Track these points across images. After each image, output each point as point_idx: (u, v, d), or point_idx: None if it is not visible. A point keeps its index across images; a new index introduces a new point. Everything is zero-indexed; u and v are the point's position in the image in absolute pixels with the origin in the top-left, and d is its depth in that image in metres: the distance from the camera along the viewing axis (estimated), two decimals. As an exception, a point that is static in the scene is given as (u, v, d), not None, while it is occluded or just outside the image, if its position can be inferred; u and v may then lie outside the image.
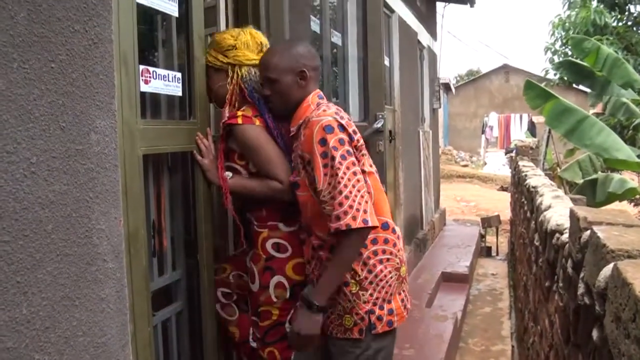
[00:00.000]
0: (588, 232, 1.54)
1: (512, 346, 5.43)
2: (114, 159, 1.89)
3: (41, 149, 1.61)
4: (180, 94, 2.34)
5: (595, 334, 1.28)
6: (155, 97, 2.42)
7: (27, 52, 1.57)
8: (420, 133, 8.33)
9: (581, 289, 1.49)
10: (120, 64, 1.93)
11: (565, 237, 2.04)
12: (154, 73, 2.16)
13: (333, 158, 2.09)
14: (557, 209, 2.63)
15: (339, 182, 2.07)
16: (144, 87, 2.09)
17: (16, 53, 1.53)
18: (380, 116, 3.97)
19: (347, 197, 2.06)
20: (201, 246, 2.49)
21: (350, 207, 2.05)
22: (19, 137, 1.53)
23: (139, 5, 2.07)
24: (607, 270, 1.24)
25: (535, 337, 3.09)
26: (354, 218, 2.05)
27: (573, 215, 1.75)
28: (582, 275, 1.52)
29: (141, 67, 2.06)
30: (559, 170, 10.21)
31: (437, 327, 5.08)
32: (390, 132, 6.78)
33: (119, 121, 1.91)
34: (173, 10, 2.29)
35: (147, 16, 2.36)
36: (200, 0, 2.46)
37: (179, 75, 2.31)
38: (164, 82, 2.21)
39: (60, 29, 1.69)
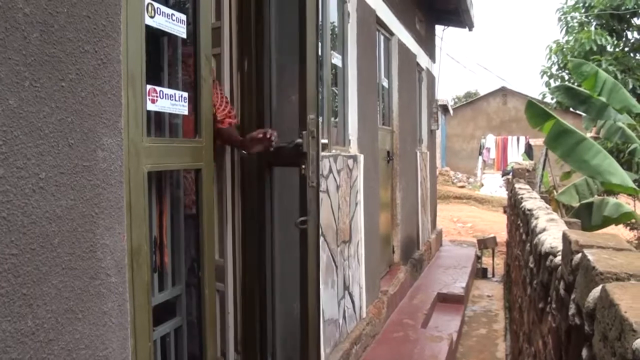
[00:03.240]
0: (579, 254, 1.59)
1: (507, 368, 5.45)
2: (120, 176, 1.94)
3: (50, 164, 1.66)
4: (186, 112, 2.40)
5: (584, 353, 1.32)
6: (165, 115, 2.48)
7: (39, 71, 1.63)
8: (418, 154, 8.41)
9: (572, 309, 1.54)
10: (127, 83, 1.99)
11: (558, 259, 2.08)
12: (161, 92, 2.21)
13: None
14: (552, 232, 2.68)
15: None
16: (150, 106, 2.14)
17: (28, 72, 1.59)
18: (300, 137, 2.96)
19: None
20: (203, 263, 2.53)
21: None
22: (28, 153, 1.58)
23: (147, 27, 2.13)
24: (595, 291, 1.28)
25: (529, 358, 3.12)
26: None
27: (565, 239, 1.80)
28: (573, 296, 1.56)
29: (148, 86, 2.12)
30: (555, 193, 10.27)
31: (433, 347, 5.10)
32: (388, 152, 6.85)
33: (125, 139, 1.97)
34: (181, 32, 2.35)
35: (154, 37, 2.42)
36: (208, 22, 2.52)
37: (185, 94, 2.37)
38: (171, 102, 2.26)
39: (71, 49, 1.75)
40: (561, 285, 1.81)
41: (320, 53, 4.43)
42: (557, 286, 1.92)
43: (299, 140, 2.79)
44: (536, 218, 3.40)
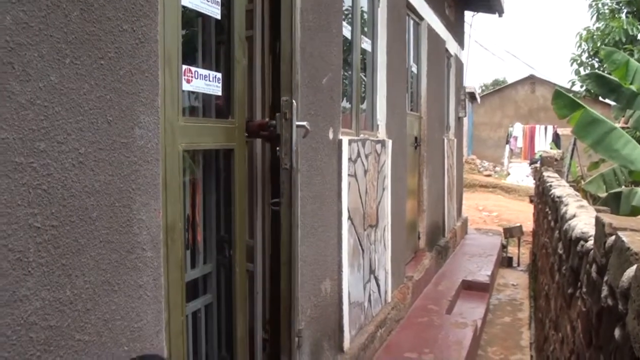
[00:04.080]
0: (613, 237, 1.59)
1: (531, 356, 5.43)
2: (156, 153, 1.98)
3: (89, 140, 1.70)
4: (219, 93, 2.42)
5: (617, 332, 1.33)
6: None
7: (79, 48, 1.66)
8: (445, 141, 8.36)
9: (604, 291, 1.54)
10: (164, 62, 2.02)
11: (589, 244, 2.08)
12: (196, 73, 2.24)
13: None
14: (582, 218, 2.67)
15: None
16: (185, 86, 2.18)
17: (69, 49, 1.63)
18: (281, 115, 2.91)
19: None
20: (234, 243, 2.57)
21: None
22: (69, 129, 1.63)
23: (184, 8, 2.16)
24: (630, 271, 1.29)
25: (555, 344, 3.12)
26: None
27: (599, 222, 1.79)
28: (605, 278, 1.56)
29: (184, 66, 2.15)
30: (582, 182, 10.15)
31: (457, 333, 5.10)
32: (415, 138, 6.83)
33: (161, 117, 2.01)
34: (216, 12, 2.38)
35: (190, 18, 2.45)
36: (243, 3, 2.54)
37: (219, 75, 2.39)
38: (205, 82, 2.29)
39: (110, 27, 1.78)
40: (593, 268, 1.81)
41: (350, 37, 4.45)
42: (589, 270, 1.92)
43: (272, 122, 2.75)
44: (566, 205, 3.38)
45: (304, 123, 2.77)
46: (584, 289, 2.02)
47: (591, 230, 2.19)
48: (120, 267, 1.82)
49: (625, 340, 1.23)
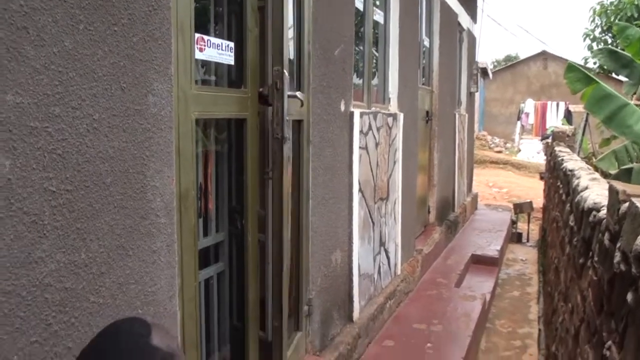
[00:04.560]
0: (627, 204, 1.59)
1: (539, 329, 5.46)
2: (169, 121, 1.99)
3: (103, 106, 1.71)
4: (232, 62, 2.42)
5: (630, 297, 1.33)
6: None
7: (93, 14, 1.66)
8: (457, 116, 8.32)
9: (617, 257, 1.55)
10: (177, 30, 2.01)
11: (602, 213, 2.09)
12: (209, 42, 2.24)
13: None
14: (595, 189, 2.67)
15: None
16: (198, 55, 2.17)
17: (82, 15, 1.63)
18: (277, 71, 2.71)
19: None
20: (246, 212, 2.59)
21: None
22: (83, 94, 1.63)
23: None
24: (644, 236, 1.29)
25: (565, 315, 3.14)
26: None
27: (612, 190, 1.80)
28: (618, 245, 1.57)
29: (197, 35, 2.14)
30: (594, 159, 10.09)
31: (465, 306, 5.14)
32: (427, 112, 6.80)
33: (174, 86, 2.01)
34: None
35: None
36: (255, -28, 2.52)
37: (231, 44, 2.39)
38: (218, 51, 2.29)
39: (123, -7, 1.77)
40: (605, 236, 1.82)
41: (362, 9, 4.41)
42: (601, 239, 1.93)
43: (260, 89, 2.67)
44: (578, 178, 3.38)
45: (296, 93, 2.74)
46: (596, 258, 2.03)
47: (603, 200, 2.20)
48: (134, 233, 1.84)
49: (638, 304, 1.24)
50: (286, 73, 2.62)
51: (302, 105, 2.91)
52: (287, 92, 2.63)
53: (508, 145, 24.97)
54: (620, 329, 1.43)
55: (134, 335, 1.19)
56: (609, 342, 1.59)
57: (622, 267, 1.47)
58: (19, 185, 1.42)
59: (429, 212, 7.15)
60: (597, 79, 6.62)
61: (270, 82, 2.64)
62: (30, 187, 1.46)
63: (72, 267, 1.61)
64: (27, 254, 1.45)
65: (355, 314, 4.06)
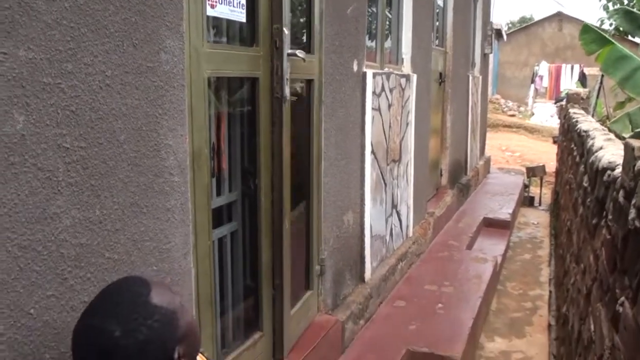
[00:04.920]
0: (642, 160, 1.58)
1: (550, 291, 5.49)
2: (182, 79, 1.98)
3: (115, 63, 1.70)
4: (244, 19, 2.39)
5: (644, 252, 1.33)
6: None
7: (104, -32, 1.64)
8: (470, 78, 8.22)
9: (632, 214, 1.54)
10: (188, -14, 1.99)
11: (617, 172, 2.07)
12: (220, -3, 2.21)
13: None
14: (609, 149, 2.65)
15: None
16: (210, 12, 2.15)
17: (94, -31, 1.60)
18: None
19: None
20: (259, 172, 2.59)
21: None
22: (95, 51, 1.62)
23: None
24: (660, 191, 1.28)
25: (576, 276, 3.14)
26: None
27: (628, 146, 1.78)
28: (634, 201, 1.56)
29: (208, -10, 2.12)
30: (608, 122, 9.97)
31: (477, 268, 5.16)
32: (440, 74, 6.72)
33: (186, 43, 1.99)
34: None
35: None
36: None
37: (243, 1, 2.35)
38: (229, 8, 2.26)
39: (133, -53, 1.75)
40: (620, 194, 1.81)
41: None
42: (615, 197, 1.91)
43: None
44: (592, 138, 3.35)
45: (296, 51, 2.69)
46: (610, 217, 2.02)
47: (618, 159, 2.18)
48: (148, 190, 1.85)
49: (652, 259, 1.24)
50: (286, 31, 2.58)
51: (304, 61, 2.81)
52: (287, 51, 2.60)
53: (521, 108, 24.71)
54: (634, 285, 1.43)
55: (133, 294, 1.22)
56: (622, 299, 1.59)
57: (637, 223, 1.46)
58: (32, 141, 1.43)
59: (441, 174, 7.13)
60: (612, 40, 6.51)
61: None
62: (44, 143, 1.46)
63: (87, 223, 1.62)
64: (42, 210, 1.46)
65: (367, 274, 4.09)
